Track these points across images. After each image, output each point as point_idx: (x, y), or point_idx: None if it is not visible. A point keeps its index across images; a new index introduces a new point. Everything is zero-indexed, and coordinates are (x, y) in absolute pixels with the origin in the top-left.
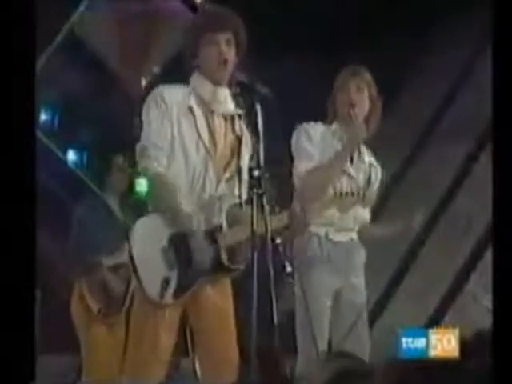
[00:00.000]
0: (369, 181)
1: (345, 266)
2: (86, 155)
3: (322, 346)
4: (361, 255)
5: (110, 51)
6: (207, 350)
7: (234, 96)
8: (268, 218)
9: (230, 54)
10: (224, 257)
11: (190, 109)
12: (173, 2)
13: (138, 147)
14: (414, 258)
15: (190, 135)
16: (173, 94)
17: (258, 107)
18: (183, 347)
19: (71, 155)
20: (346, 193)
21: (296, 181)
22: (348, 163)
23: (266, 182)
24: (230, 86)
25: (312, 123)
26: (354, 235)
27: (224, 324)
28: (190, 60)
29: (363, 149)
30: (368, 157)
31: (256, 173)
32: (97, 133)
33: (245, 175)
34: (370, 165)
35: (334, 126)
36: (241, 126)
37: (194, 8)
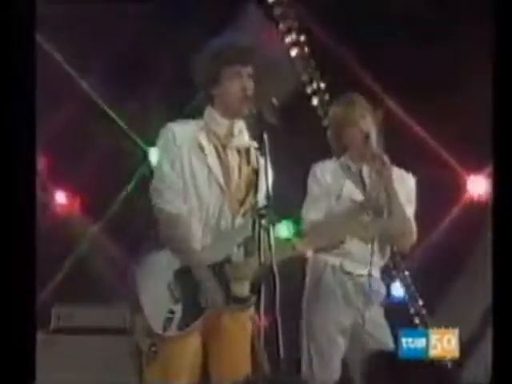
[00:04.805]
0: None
1: (360, 302)
2: None
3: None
4: (380, 294)
5: None
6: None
7: (249, 128)
8: (273, 249)
9: (251, 89)
10: (235, 289)
11: (200, 145)
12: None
13: (151, 189)
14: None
15: (201, 172)
16: (183, 133)
17: (266, 137)
18: None
19: None
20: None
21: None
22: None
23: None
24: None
25: (322, 162)
26: (375, 271)
27: (241, 356)
28: (209, 87)
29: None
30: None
31: (263, 204)
32: None
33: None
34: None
35: (344, 158)
36: (257, 158)
37: None
